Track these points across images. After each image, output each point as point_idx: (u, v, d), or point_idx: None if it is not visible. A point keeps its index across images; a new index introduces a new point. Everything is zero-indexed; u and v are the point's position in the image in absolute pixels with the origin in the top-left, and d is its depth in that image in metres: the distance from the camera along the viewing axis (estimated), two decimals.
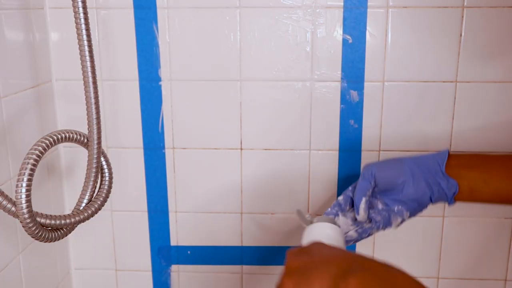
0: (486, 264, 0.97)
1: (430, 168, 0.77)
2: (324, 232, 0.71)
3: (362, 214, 0.76)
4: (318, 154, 0.94)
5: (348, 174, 0.94)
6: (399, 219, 0.78)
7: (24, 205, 0.64)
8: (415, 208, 0.78)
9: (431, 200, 0.77)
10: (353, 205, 0.79)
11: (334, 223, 0.73)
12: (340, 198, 0.80)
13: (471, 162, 0.79)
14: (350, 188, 0.80)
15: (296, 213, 0.76)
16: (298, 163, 0.94)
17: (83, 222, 0.75)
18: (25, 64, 0.84)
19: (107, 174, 0.81)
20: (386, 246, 0.98)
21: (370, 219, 0.78)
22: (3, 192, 0.65)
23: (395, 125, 0.91)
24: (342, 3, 0.87)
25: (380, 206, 0.79)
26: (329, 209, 0.79)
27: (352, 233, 0.78)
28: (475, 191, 0.76)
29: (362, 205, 0.76)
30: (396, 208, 0.78)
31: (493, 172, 0.76)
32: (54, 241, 0.71)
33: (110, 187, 0.81)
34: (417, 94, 0.89)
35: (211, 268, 1.02)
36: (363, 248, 0.98)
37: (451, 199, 0.77)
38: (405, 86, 0.89)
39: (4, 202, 0.64)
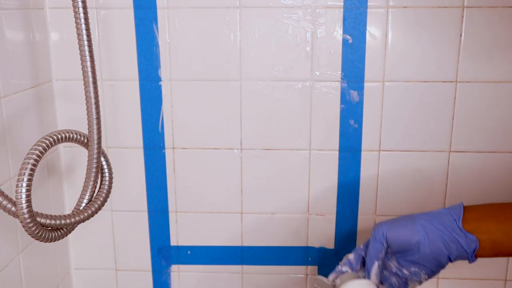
0: (486, 264, 0.97)
1: (445, 224, 0.71)
2: None
3: (373, 279, 0.72)
4: (318, 154, 0.94)
5: (348, 174, 0.94)
6: (416, 282, 0.73)
7: (24, 205, 0.64)
8: (433, 269, 0.72)
9: (450, 260, 0.71)
10: (364, 263, 0.75)
11: (359, 277, 0.70)
12: (351, 256, 0.76)
13: (488, 214, 0.73)
14: (361, 246, 0.76)
15: (314, 282, 0.73)
16: (298, 163, 0.94)
17: (83, 222, 0.75)
18: (25, 64, 0.84)
19: (107, 174, 0.81)
20: None
21: (382, 282, 0.74)
22: (3, 192, 0.65)
23: (395, 125, 0.91)
24: (342, 3, 0.87)
25: (394, 268, 0.74)
26: (339, 266, 0.75)
27: None
28: (497, 244, 0.70)
29: (374, 270, 0.72)
30: (412, 270, 0.72)
31: None
32: (54, 241, 0.71)
33: (110, 187, 0.81)
34: (417, 94, 0.89)
35: (211, 268, 1.02)
36: None
37: (472, 256, 0.70)
38: (405, 86, 0.89)
39: (4, 202, 0.64)
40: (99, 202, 0.79)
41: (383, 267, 0.74)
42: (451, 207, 0.74)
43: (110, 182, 0.82)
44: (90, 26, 0.75)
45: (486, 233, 0.70)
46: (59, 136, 0.71)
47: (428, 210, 0.95)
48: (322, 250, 0.99)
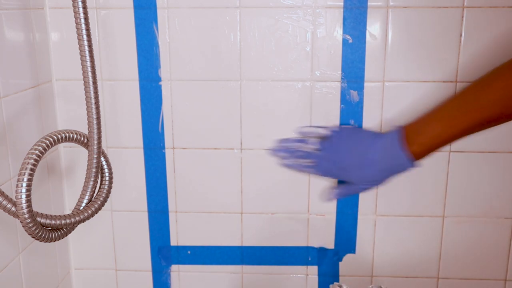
0: (486, 264, 0.97)
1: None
2: None
3: None
4: None
5: None
6: None
7: (24, 205, 0.64)
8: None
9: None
10: None
11: None
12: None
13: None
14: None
15: None
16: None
17: (83, 222, 0.75)
18: (25, 64, 0.84)
19: (107, 174, 0.81)
20: (386, 246, 0.98)
21: None
22: (3, 192, 0.65)
23: (395, 125, 0.91)
24: (342, 3, 0.87)
25: None
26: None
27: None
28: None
29: None
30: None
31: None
32: (54, 241, 0.71)
33: (110, 187, 0.81)
34: (417, 94, 0.89)
35: (211, 268, 1.02)
36: (363, 248, 0.98)
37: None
38: (405, 86, 0.89)
39: (4, 202, 0.64)
40: (99, 202, 0.79)
41: None
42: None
43: (110, 182, 0.82)
44: (90, 26, 0.75)
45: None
46: (59, 136, 0.71)
47: (428, 211, 0.96)
48: (322, 250, 0.99)
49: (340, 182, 0.88)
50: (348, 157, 0.79)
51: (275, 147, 0.84)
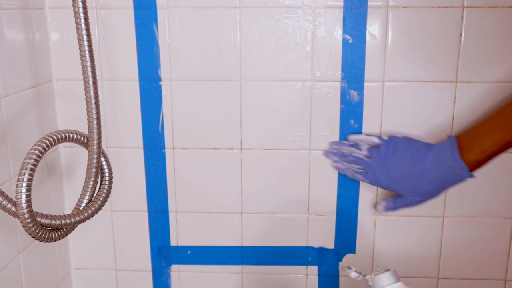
0: (486, 264, 0.97)
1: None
2: None
3: None
4: (318, 154, 0.94)
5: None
6: None
7: (24, 205, 0.64)
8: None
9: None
10: None
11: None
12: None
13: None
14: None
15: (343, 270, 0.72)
16: (298, 163, 0.94)
17: (83, 222, 0.75)
18: (25, 64, 0.84)
19: (107, 174, 0.81)
20: (386, 246, 0.98)
21: None
22: (3, 192, 0.65)
23: (395, 125, 0.91)
24: (342, 3, 0.87)
25: None
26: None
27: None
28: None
29: None
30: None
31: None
32: (54, 241, 0.71)
33: (110, 187, 0.81)
34: (417, 94, 0.89)
35: (211, 268, 1.02)
36: (363, 248, 0.98)
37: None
38: (405, 86, 0.89)
39: (4, 202, 0.64)
40: (99, 202, 0.79)
41: None
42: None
43: (110, 182, 0.82)
44: (90, 26, 0.75)
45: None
46: (59, 136, 0.71)
47: (428, 211, 0.95)
48: (322, 250, 0.99)
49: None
50: (398, 168, 0.77)
51: (327, 149, 0.83)
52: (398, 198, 0.81)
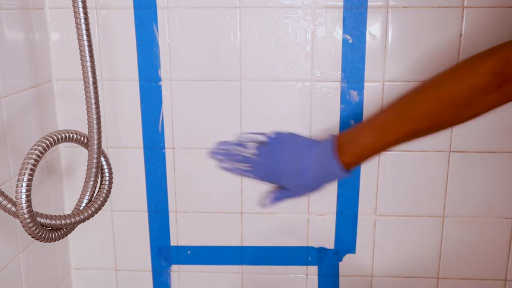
0: (486, 264, 0.97)
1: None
2: None
3: None
4: None
5: None
6: None
7: (24, 205, 0.64)
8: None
9: None
10: None
11: None
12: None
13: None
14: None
15: None
16: None
17: (83, 222, 0.75)
18: (25, 64, 0.84)
19: (107, 174, 0.81)
20: (386, 246, 0.98)
21: None
22: (3, 192, 0.65)
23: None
24: (342, 3, 0.87)
25: None
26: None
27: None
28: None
29: None
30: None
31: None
32: (54, 241, 0.71)
33: (110, 187, 0.81)
34: None
35: (211, 268, 1.02)
36: (363, 248, 0.98)
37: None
38: (405, 86, 0.89)
39: (4, 202, 0.64)
40: (99, 202, 0.79)
41: None
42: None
43: (110, 182, 0.82)
44: (90, 26, 0.75)
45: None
46: (59, 136, 0.71)
47: (428, 211, 0.96)
48: (322, 250, 0.99)
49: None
50: (283, 164, 0.80)
51: (213, 149, 0.85)
52: (284, 190, 0.84)
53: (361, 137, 0.76)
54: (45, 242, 0.70)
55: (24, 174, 0.64)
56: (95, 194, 0.80)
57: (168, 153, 0.96)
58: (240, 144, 0.85)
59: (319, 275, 1.00)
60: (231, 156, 0.85)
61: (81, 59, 0.75)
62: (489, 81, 0.68)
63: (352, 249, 0.98)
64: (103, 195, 0.80)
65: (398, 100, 0.75)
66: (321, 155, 0.77)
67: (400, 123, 0.73)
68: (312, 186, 0.80)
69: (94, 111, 0.77)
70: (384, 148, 0.75)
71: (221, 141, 0.83)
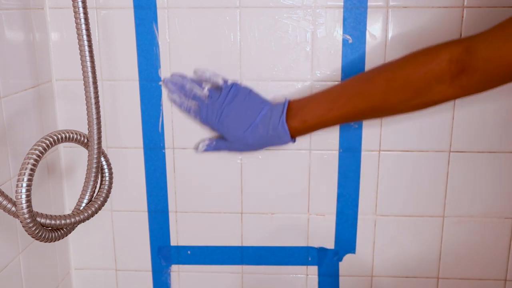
0: (486, 264, 0.97)
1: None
2: None
3: None
4: (318, 154, 0.94)
5: (348, 174, 0.94)
6: None
7: (24, 205, 0.64)
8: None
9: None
10: None
11: None
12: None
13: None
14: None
15: None
16: (298, 163, 0.94)
17: (83, 222, 0.75)
18: (25, 64, 0.84)
19: (107, 174, 0.81)
20: (386, 246, 0.98)
21: None
22: (3, 192, 0.65)
23: (395, 125, 0.91)
24: (342, 3, 0.87)
25: None
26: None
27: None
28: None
29: None
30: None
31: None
32: (54, 241, 0.71)
33: (110, 187, 0.81)
34: None
35: (211, 268, 1.02)
36: (363, 248, 0.98)
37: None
38: None
39: (4, 202, 0.64)
40: (99, 202, 0.79)
41: None
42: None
43: (110, 182, 0.82)
44: (90, 26, 0.75)
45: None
46: (59, 136, 0.71)
47: (428, 211, 0.96)
48: (322, 250, 0.99)
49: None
50: (231, 115, 0.81)
51: (167, 79, 0.84)
52: (222, 141, 0.84)
53: (313, 105, 0.76)
54: (45, 242, 0.70)
55: (24, 174, 0.64)
56: (95, 194, 0.80)
57: (168, 153, 0.96)
58: (196, 82, 0.85)
59: (319, 275, 1.00)
60: (183, 90, 0.84)
61: (81, 59, 0.75)
62: (445, 68, 0.68)
63: (352, 249, 0.98)
64: (103, 195, 0.80)
65: (357, 76, 0.76)
66: (271, 115, 0.78)
67: (352, 97, 0.74)
68: (253, 144, 0.80)
69: (94, 111, 0.77)
70: (333, 122, 0.75)
71: (178, 73, 0.82)
